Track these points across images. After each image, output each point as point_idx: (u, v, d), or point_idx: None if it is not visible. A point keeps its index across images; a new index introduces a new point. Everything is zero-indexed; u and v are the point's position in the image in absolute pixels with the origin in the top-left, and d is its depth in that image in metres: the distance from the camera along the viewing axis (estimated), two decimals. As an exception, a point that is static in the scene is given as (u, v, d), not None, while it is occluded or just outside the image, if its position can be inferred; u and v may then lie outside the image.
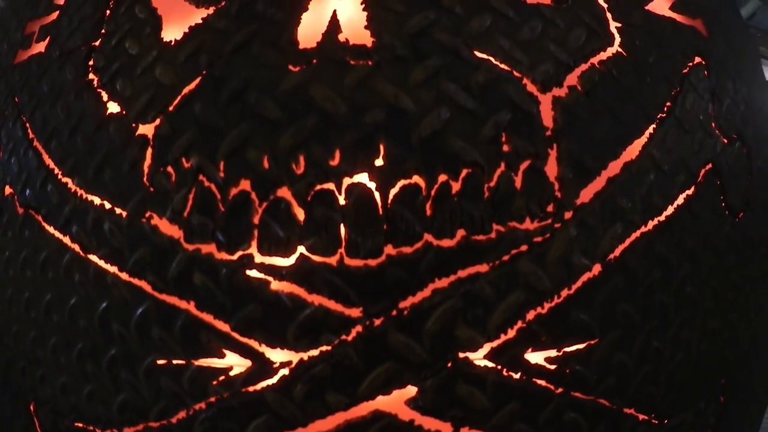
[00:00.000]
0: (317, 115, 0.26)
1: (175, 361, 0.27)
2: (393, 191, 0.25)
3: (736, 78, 0.41)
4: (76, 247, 0.30)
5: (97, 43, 0.35)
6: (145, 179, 0.28)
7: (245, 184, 0.26)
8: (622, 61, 0.32)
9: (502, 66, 0.28)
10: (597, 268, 0.28)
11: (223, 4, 0.32)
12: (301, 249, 0.25)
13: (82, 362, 0.30)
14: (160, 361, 0.27)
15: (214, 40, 0.30)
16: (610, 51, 0.33)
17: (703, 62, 0.38)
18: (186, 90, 0.29)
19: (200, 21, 0.31)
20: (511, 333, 0.26)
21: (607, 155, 0.29)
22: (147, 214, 0.28)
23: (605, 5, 0.35)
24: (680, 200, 0.31)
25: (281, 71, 0.27)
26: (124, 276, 0.28)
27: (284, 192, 0.25)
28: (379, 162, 0.25)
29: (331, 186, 0.25)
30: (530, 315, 0.26)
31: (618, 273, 0.28)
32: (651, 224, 0.30)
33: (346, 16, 0.29)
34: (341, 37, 0.28)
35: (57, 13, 0.41)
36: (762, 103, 0.43)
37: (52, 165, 0.33)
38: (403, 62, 0.27)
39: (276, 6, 0.30)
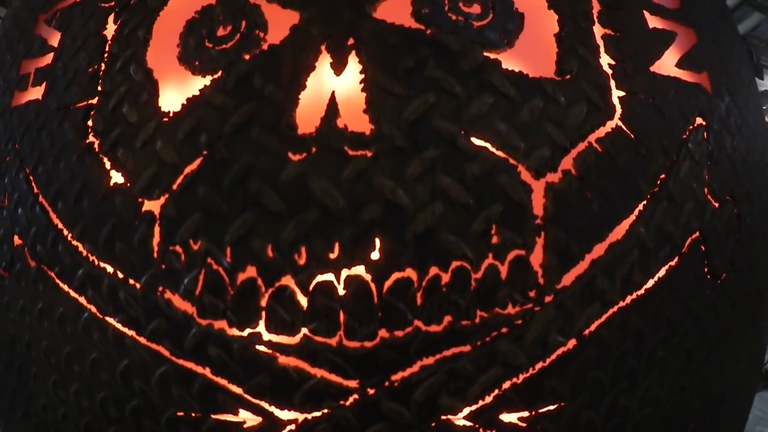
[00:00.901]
0: (317, 209, 0.30)
1: (193, 414, 0.34)
2: (387, 283, 0.30)
3: (736, 133, 0.44)
4: (93, 308, 0.36)
5: (94, 102, 0.38)
6: (155, 255, 0.33)
7: (251, 271, 0.31)
8: (620, 137, 0.36)
9: (499, 153, 0.32)
10: (572, 342, 0.33)
11: (219, 74, 0.35)
12: (305, 330, 0.31)
13: (105, 408, 0.37)
14: (180, 414, 0.34)
15: (213, 118, 0.33)
16: (610, 125, 0.36)
17: (704, 122, 0.41)
18: (188, 169, 0.33)
19: (198, 93, 0.34)
20: (489, 399, 0.32)
21: (594, 239, 0.33)
22: (160, 289, 0.33)
23: (610, 71, 0.37)
24: (662, 272, 0.36)
25: (281, 159, 0.31)
26: (142, 340, 0.34)
27: (288, 280, 0.30)
28: (375, 255, 0.30)
29: (331, 277, 0.30)
30: (506, 385, 0.33)
31: (591, 346, 0.33)
32: (629, 299, 0.35)
33: (345, 96, 0.32)
34: (340, 123, 0.31)
35: (52, 56, 0.44)
36: (760, 153, 0.46)
37: (60, 226, 0.38)
38: (400, 154, 0.31)
39: (273, 83, 0.33)
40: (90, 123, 0.38)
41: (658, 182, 0.36)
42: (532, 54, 0.36)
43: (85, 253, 0.36)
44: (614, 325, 0.34)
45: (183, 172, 0.33)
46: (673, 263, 0.37)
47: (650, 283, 0.36)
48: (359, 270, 0.30)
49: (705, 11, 0.48)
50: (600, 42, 0.39)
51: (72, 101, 0.39)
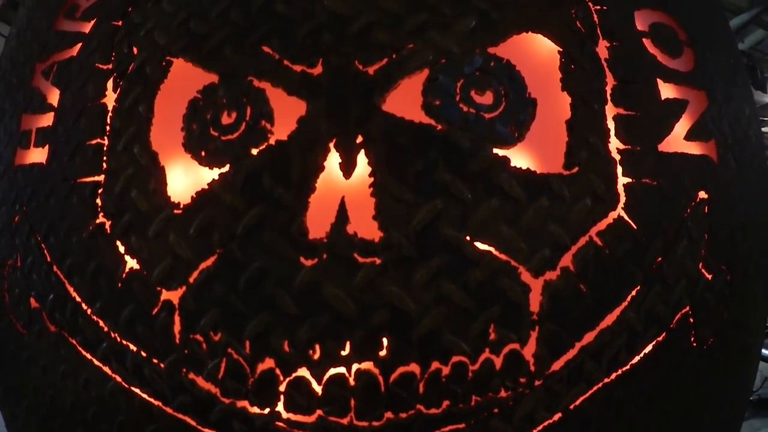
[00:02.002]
0: (329, 313, 0.37)
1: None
2: (393, 376, 0.37)
3: (738, 199, 0.50)
4: (118, 378, 0.44)
5: (100, 179, 0.43)
6: (177, 341, 0.40)
7: (270, 362, 0.38)
8: (621, 227, 0.41)
9: (501, 257, 0.38)
10: (557, 416, 0.42)
11: (228, 168, 0.39)
12: (320, 412, 0.39)
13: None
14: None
15: (224, 217, 0.38)
16: (612, 216, 0.41)
17: (707, 196, 0.47)
18: (203, 266, 0.39)
19: (207, 186, 0.39)
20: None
21: (585, 329, 0.40)
22: (184, 370, 0.40)
23: (618, 157, 0.42)
24: (648, 348, 0.44)
25: (294, 265, 0.37)
26: (169, 410, 0.42)
27: (304, 371, 0.38)
28: (382, 353, 0.37)
29: (342, 370, 0.37)
30: (496, 451, 0.41)
31: (575, 418, 0.42)
32: (614, 375, 0.43)
33: (354, 201, 0.36)
34: (350, 229, 0.37)
35: (52, 116, 0.48)
36: (761, 214, 0.52)
37: (78, 299, 0.44)
38: (408, 262, 0.36)
39: (283, 186, 0.38)
40: (99, 202, 0.43)
41: (654, 266, 0.42)
42: (541, 145, 0.40)
43: (106, 329, 0.43)
44: (598, 399, 0.42)
45: (198, 267, 0.39)
46: (660, 338, 0.44)
47: (636, 359, 0.44)
48: (368, 365, 0.37)
49: (719, 68, 0.52)
50: (611, 124, 0.43)
51: (77, 175, 0.44)
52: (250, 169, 0.38)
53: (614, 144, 0.42)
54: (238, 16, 0.43)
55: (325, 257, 0.37)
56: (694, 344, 0.47)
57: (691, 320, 0.46)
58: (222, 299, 0.38)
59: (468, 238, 0.37)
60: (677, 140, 0.46)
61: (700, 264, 0.46)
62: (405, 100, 0.38)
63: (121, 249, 0.41)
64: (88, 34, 0.50)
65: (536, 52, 0.43)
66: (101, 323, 0.43)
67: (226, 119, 0.39)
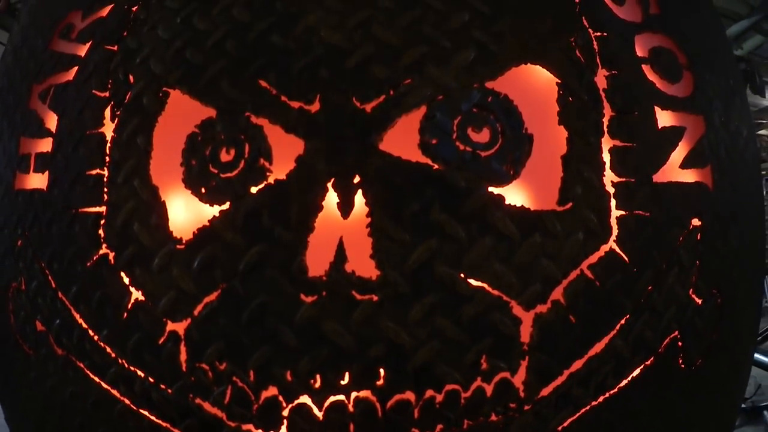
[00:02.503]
0: (329, 346, 0.40)
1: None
2: (390, 403, 0.41)
3: (731, 224, 0.53)
4: (127, 401, 0.48)
5: (102, 210, 0.46)
6: (183, 369, 0.44)
7: (273, 390, 0.42)
8: (612, 260, 0.45)
9: (494, 293, 0.41)
10: (546, 436, 0.46)
11: (228, 206, 0.42)
12: (320, 434, 0.43)
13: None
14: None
15: (226, 254, 0.42)
16: (604, 249, 0.45)
17: (700, 223, 0.50)
18: (207, 299, 0.42)
19: (207, 224, 0.42)
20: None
21: (574, 357, 0.44)
22: (191, 396, 0.44)
23: (612, 190, 0.44)
24: (636, 372, 0.48)
25: (295, 301, 0.40)
26: (177, 431, 0.47)
27: (306, 399, 0.42)
28: (379, 383, 0.41)
29: (342, 398, 0.41)
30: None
31: (563, 439, 0.46)
32: (601, 398, 0.47)
33: (352, 241, 0.40)
34: (348, 268, 0.40)
35: (51, 142, 0.51)
36: (752, 238, 0.55)
37: (85, 325, 0.48)
38: (403, 299, 0.40)
39: (283, 225, 0.41)
40: (101, 233, 0.46)
41: (645, 295, 0.46)
42: (536, 180, 0.43)
43: (114, 355, 0.47)
44: (586, 421, 0.47)
45: (202, 301, 0.42)
46: (648, 363, 0.49)
47: (623, 383, 0.48)
48: (366, 393, 0.42)
49: (718, 90, 0.54)
50: (607, 157, 0.45)
51: (78, 204, 0.47)
52: (249, 208, 0.41)
53: (609, 177, 0.45)
54: (233, 47, 0.45)
55: (325, 294, 0.40)
56: (683, 366, 0.51)
57: (680, 344, 0.50)
58: (226, 332, 0.42)
59: (462, 275, 0.41)
60: (672, 169, 0.49)
61: (691, 290, 0.49)
62: (402, 138, 0.41)
63: (126, 280, 0.45)
64: (83, 58, 0.53)
65: (534, 84, 0.45)
66: (108, 350, 0.47)
67: (224, 156, 0.42)
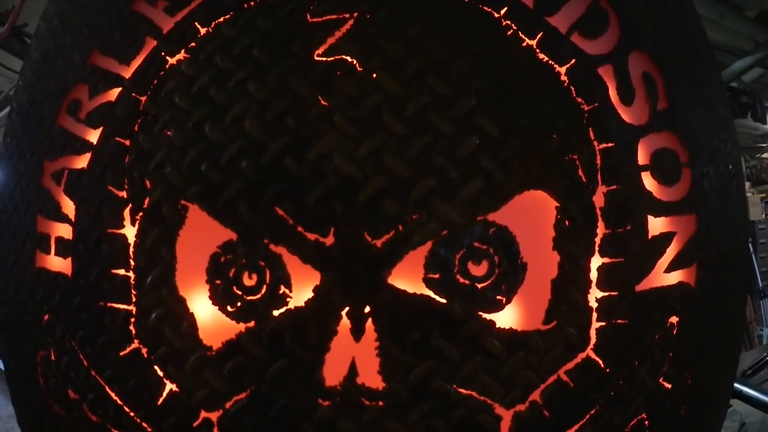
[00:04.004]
0: (343, 442, 0.56)
1: None
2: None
3: (708, 317, 0.66)
4: (162, 459, 0.64)
5: (131, 309, 0.58)
6: (216, 449, 0.59)
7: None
8: (588, 365, 0.59)
9: (480, 398, 0.56)
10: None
11: (252, 324, 0.54)
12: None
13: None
14: None
15: (253, 364, 0.56)
16: (581, 356, 0.58)
17: (678, 319, 0.63)
18: (237, 398, 0.57)
19: (234, 338, 0.54)
20: None
21: (547, 440, 0.60)
22: (222, 467, 0.60)
23: (595, 305, 0.57)
24: (602, 443, 0.65)
25: (313, 404, 0.55)
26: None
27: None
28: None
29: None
30: None
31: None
32: (570, 466, 0.64)
33: (362, 359, 0.53)
34: (359, 380, 0.54)
35: (70, 230, 0.62)
36: (727, 334, 0.68)
37: (120, 402, 0.63)
38: (405, 406, 0.55)
39: (303, 346, 0.54)
40: (132, 329, 0.58)
41: (613, 392, 0.61)
42: (525, 304, 0.55)
43: (150, 429, 0.62)
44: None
45: (232, 399, 0.57)
46: (614, 437, 0.65)
47: (591, 455, 0.65)
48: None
49: (716, 182, 0.65)
50: (594, 276, 0.57)
51: (107, 299, 0.59)
52: (273, 330, 0.55)
53: (594, 294, 0.58)
54: (249, 168, 0.56)
55: (339, 400, 0.55)
56: (648, 436, 0.69)
57: (646, 423, 0.67)
58: (255, 425, 0.57)
59: (454, 386, 0.55)
60: (656, 275, 0.62)
61: (661, 379, 0.65)
62: (408, 273, 0.54)
63: (160, 373, 0.59)
64: (96, 147, 0.63)
65: (533, 210, 0.56)
66: (145, 425, 0.62)
67: (247, 281, 0.54)
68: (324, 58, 0.60)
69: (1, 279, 0.70)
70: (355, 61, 0.59)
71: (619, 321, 0.60)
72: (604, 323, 0.60)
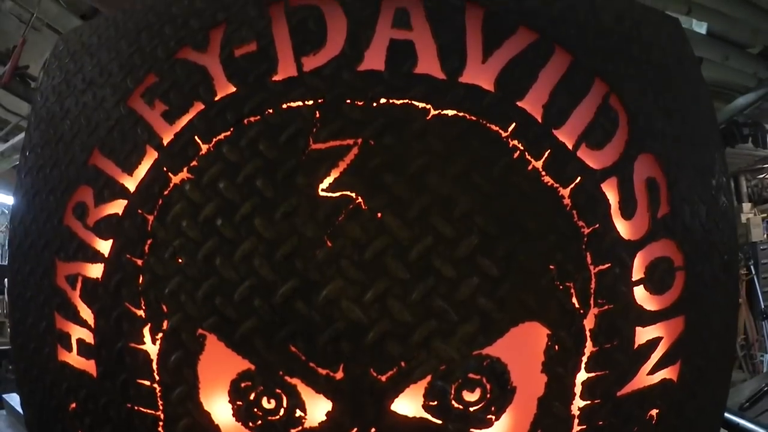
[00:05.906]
0: None
1: None
2: None
3: (687, 404, 0.83)
4: None
5: (158, 414, 0.75)
6: None
7: None
8: None
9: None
10: None
11: None
12: None
13: None
14: None
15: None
16: None
17: (658, 411, 0.81)
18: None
19: None
20: None
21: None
22: None
23: (578, 412, 0.75)
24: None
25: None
26: None
27: None
28: None
29: None
30: None
31: None
32: None
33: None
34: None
35: (91, 335, 0.77)
36: (717, 399, 0.87)
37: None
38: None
39: None
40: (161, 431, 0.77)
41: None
42: (512, 419, 0.73)
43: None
44: None
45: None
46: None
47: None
48: None
49: (709, 282, 0.78)
50: (578, 389, 0.75)
51: (134, 403, 0.77)
52: (291, 447, 0.72)
53: (577, 404, 0.76)
54: (261, 307, 0.69)
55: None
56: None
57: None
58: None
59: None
60: (640, 378, 0.79)
61: (636, 453, 0.86)
62: (411, 400, 0.69)
63: (188, 459, 0.79)
64: (108, 259, 0.74)
65: (525, 338, 0.71)
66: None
67: (266, 404, 0.71)
68: (329, 194, 0.71)
69: (25, 363, 0.89)
70: (359, 199, 0.69)
71: (599, 423, 0.80)
72: (584, 427, 0.79)
